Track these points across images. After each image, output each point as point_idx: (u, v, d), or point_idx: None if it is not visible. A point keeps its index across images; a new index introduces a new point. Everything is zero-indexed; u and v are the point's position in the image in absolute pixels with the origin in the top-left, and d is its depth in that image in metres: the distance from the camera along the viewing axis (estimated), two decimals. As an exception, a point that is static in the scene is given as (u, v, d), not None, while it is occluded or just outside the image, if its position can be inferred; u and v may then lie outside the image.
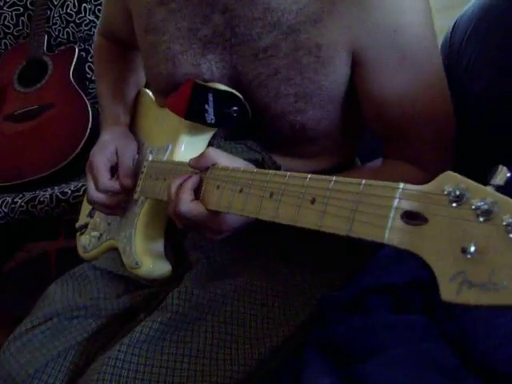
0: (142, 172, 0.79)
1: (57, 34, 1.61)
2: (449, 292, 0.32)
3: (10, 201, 1.28)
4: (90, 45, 1.60)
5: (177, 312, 0.67)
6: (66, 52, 1.57)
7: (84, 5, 1.59)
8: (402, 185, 0.37)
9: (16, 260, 1.64)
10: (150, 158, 0.81)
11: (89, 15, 1.60)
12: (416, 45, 0.64)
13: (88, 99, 1.46)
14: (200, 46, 0.72)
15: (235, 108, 0.70)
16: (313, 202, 0.44)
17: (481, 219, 0.32)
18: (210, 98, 0.70)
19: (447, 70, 0.70)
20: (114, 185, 0.80)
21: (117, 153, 0.83)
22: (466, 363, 0.49)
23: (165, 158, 0.77)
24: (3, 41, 1.66)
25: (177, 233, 0.80)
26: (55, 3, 1.59)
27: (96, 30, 1.24)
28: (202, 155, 0.61)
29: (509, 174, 0.34)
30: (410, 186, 0.37)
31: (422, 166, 0.70)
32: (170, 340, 0.66)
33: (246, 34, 0.68)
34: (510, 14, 0.77)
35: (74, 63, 1.53)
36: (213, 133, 0.76)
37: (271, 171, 0.51)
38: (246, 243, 0.76)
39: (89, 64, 1.60)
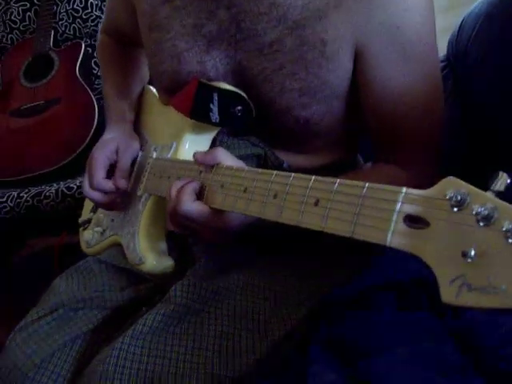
0: (146, 169, 0.80)
1: (63, 29, 1.61)
2: (449, 294, 0.33)
3: (15, 195, 1.29)
4: (96, 40, 1.60)
5: (180, 304, 0.68)
6: (72, 47, 1.58)
7: (90, 0, 1.60)
8: (404, 189, 0.38)
9: (20, 254, 1.65)
10: (154, 156, 0.81)
11: (95, 11, 1.60)
12: (417, 42, 0.65)
13: (94, 95, 1.47)
14: (205, 42, 0.72)
15: (240, 107, 0.71)
16: (316, 203, 0.45)
17: (481, 224, 0.32)
18: (215, 97, 0.70)
19: (453, 67, 0.70)
20: (107, 184, 0.80)
21: (117, 152, 0.82)
22: (472, 361, 0.49)
23: (169, 156, 0.78)
24: (10, 36, 1.66)
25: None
26: (62, -1, 1.60)
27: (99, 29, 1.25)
28: (209, 152, 0.62)
29: (509, 180, 0.34)
30: (412, 191, 0.37)
31: (408, 168, 0.70)
32: (173, 332, 0.66)
33: (251, 29, 0.68)
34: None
35: (80, 59, 1.53)
36: (217, 131, 0.76)
37: (275, 172, 0.51)
38: (247, 244, 0.76)
39: (95, 60, 1.60)
